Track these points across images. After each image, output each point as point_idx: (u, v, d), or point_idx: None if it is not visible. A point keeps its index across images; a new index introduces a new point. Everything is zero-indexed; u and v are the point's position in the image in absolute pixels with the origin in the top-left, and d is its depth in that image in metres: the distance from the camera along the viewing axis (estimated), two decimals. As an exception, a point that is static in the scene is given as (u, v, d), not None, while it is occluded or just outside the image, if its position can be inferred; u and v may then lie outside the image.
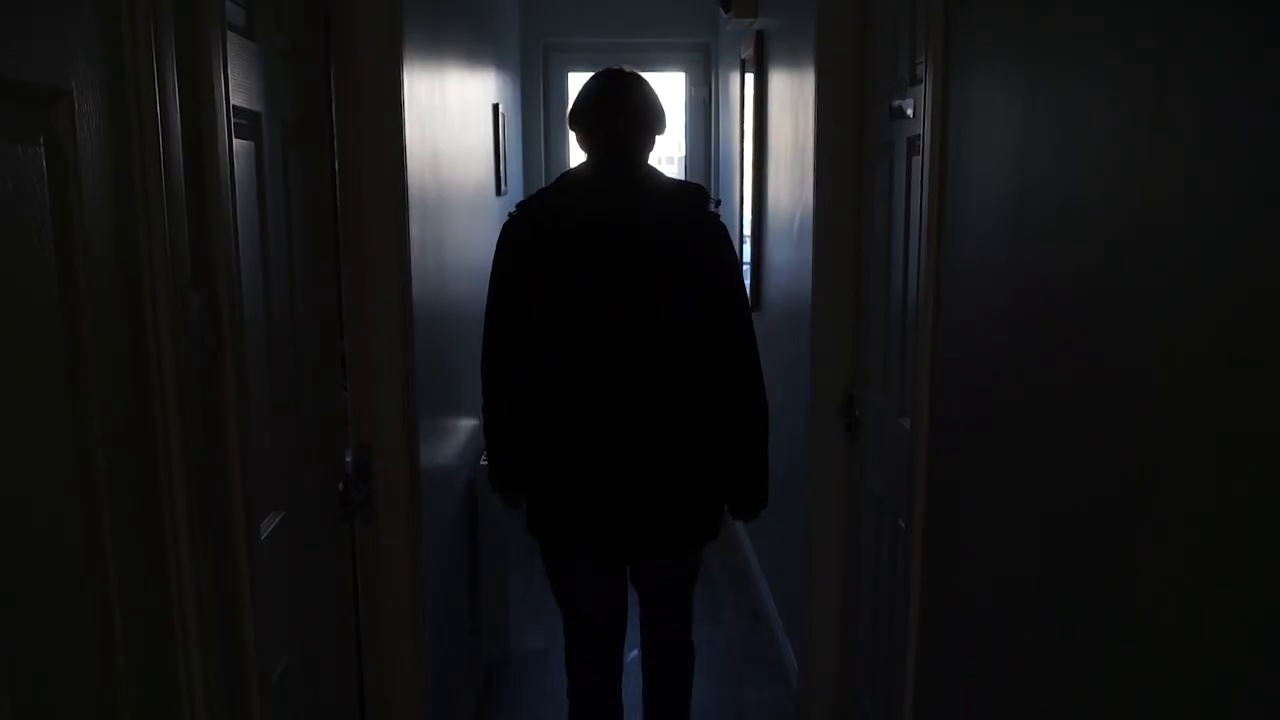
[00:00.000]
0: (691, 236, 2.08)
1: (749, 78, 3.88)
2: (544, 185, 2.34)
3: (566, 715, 2.40)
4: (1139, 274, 1.06)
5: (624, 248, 2.06)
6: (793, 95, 3.03)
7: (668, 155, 5.60)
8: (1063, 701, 1.25)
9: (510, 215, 2.13)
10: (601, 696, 2.33)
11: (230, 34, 1.25)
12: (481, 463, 3.04)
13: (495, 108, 3.76)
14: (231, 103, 1.24)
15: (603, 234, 2.06)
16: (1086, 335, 1.18)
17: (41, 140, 0.80)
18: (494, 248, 2.12)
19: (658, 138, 2.19)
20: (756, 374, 2.15)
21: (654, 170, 2.17)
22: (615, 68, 2.18)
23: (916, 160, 1.97)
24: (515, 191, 4.67)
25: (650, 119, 2.14)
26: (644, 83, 2.17)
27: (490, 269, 2.13)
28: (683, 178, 5.13)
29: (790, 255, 3.12)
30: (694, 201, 2.13)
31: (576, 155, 5.17)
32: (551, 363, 2.07)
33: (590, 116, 2.13)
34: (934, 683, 1.80)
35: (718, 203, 2.24)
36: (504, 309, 2.10)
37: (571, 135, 2.22)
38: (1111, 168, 1.13)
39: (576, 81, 5.28)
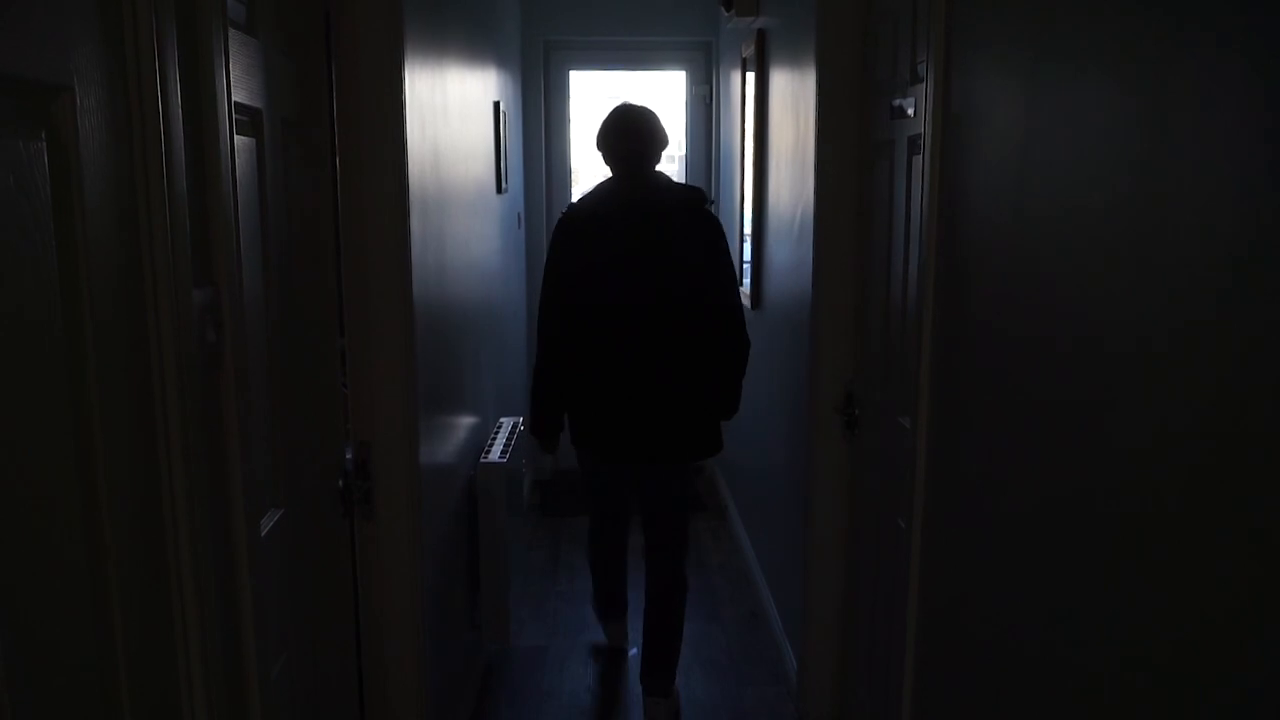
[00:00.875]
0: (691, 225, 2.78)
1: (750, 76, 3.88)
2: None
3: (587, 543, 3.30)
4: (1140, 273, 1.06)
5: (639, 235, 2.76)
6: (794, 94, 3.03)
7: (668, 154, 5.63)
8: (1062, 701, 1.25)
9: (563, 213, 2.88)
10: (611, 540, 3.22)
11: (231, 30, 1.25)
12: (491, 443, 3.04)
13: (496, 105, 3.76)
14: (233, 99, 1.24)
15: (624, 225, 2.77)
16: (1087, 334, 1.18)
17: (43, 135, 0.80)
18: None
19: (663, 152, 2.90)
20: (740, 322, 2.81)
21: (662, 176, 2.88)
22: (628, 103, 2.91)
23: (917, 159, 1.97)
24: (516, 190, 4.66)
25: (655, 141, 2.85)
26: (650, 113, 2.89)
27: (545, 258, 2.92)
28: (684, 179, 5.25)
29: (790, 254, 3.12)
30: (693, 200, 2.83)
31: (578, 155, 5.24)
32: (589, 321, 2.77)
33: (611, 141, 2.85)
34: (933, 682, 1.80)
35: (712, 202, 2.95)
36: (555, 283, 2.82)
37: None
38: (1113, 168, 1.13)
39: (577, 79, 5.30)
